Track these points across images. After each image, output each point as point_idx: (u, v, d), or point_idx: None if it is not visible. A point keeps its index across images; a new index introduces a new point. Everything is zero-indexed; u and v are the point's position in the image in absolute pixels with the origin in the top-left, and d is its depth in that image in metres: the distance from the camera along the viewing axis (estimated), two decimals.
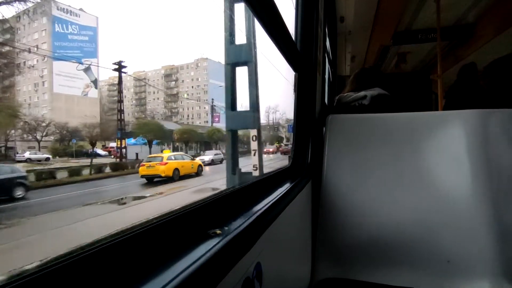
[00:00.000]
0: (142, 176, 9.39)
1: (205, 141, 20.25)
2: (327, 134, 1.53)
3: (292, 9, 1.50)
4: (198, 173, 10.90)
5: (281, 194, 0.95)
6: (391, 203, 1.40)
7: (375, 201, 1.42)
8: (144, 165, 9.75)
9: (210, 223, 0.59)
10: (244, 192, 0.85)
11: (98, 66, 17.79)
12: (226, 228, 0.58)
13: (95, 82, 18.07)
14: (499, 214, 1.25)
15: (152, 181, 9.48)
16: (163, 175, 9.38)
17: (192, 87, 44.59)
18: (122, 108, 13.15)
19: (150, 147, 12.89)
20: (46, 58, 15.46)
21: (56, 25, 15.85)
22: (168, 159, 10.12)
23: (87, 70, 17.23)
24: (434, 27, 3.48)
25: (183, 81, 44.89)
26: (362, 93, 1.69)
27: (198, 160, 11.87)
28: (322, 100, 1.75)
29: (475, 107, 1.39)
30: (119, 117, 12.93)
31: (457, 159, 1.34)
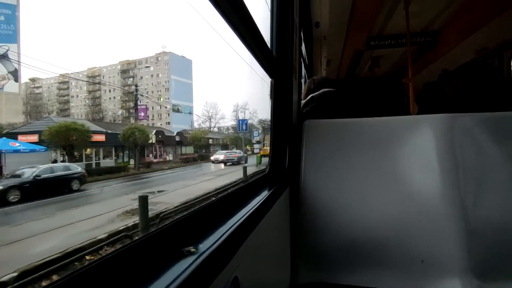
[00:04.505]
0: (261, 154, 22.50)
1: (118, 145, 17.08)
2: (304, 139, 1.54)
3: (267, 15, 1.50)
4: None
5: (259, 203, 0.94)
6: (367, 207, 1.42)
7: (351, 205, 1.44)
8: (262, 150, 23.73)
9: (184, 241, 0.56)
10: (220, 204, 0.83)
11: (19, 54, 13.67)
12: (201, 245, 0.56)
13: (14, 73, 13.93)
14: (467, 215, 1.30)
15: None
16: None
17: (152, 84, 42.02)
18: None
19: None
20: None
21: None
22: None
23: (1, 58, 13.29)
24: (404, 32, 3.63)
25: (141, 77, 42.06)
26: (308, 97, 1.82)
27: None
28: (298, 105, 1.77)
29: (444, 112, 1.44)
30: None
31: (428, 162, 1.39)
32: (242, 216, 0.78)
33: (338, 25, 3.61)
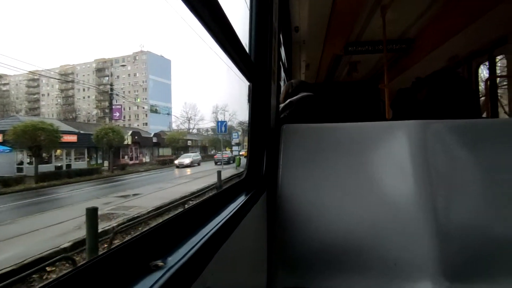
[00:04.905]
0: (245, 156, 22.41)
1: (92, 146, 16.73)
2: (282, 144, 1.54)
3: (246, 19, 1.49)
4: None
5: (235, 209, 0.92)
6: (343, 211, 1.44)
7: (327, 209, 1.45)
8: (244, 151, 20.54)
9: (152, 254, 0.54)
10: (193, 213, 0.81)
11: None
12: (170, 258, 0.53)
13: None
14: (439, 218, 1.35)
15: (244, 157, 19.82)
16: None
17: (129, 83, 40.94)
18: None
19: None
20: None
21: None
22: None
23: None
24: (381, 39, 3.74)
25: (118, 76, 40.92)
26: (286, 102, 1.84)
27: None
28: (277, 109, 1.77)
29: (415, 117, 1.49)
30: None
31: (402, 167, 1.43)
32: (217, 224, 0.75)
33: (317, 30, 3.67)
